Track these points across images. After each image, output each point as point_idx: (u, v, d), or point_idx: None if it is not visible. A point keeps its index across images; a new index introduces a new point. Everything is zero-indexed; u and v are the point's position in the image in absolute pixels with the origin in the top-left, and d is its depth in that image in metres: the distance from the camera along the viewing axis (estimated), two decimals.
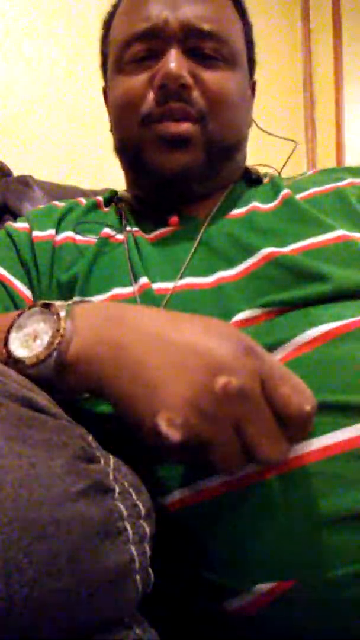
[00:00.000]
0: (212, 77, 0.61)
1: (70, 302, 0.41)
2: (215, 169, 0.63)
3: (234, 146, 0.65)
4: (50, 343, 0.37)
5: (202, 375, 0.33)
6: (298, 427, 0.35)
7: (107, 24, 0.70)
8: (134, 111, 0.61)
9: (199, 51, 0.61)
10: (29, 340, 0.38)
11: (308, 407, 0.34)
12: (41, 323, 0.39)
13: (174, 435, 0.32)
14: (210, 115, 0.60)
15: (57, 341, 0.37)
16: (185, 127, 0.59)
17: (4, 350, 0.38)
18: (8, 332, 0.39)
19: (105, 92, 0.74)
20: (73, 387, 0.38)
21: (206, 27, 0.61)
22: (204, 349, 0.35)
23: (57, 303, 0.39)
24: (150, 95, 0.60)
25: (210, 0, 0.63)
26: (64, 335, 0.37)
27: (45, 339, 0.37)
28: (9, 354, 0.38)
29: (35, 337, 0.38)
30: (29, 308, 0.40)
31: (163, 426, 0.33)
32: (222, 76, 0.62)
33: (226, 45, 0.62)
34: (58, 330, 0.37)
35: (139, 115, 0.60)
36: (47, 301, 0.40)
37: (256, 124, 0.73)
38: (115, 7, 0.69)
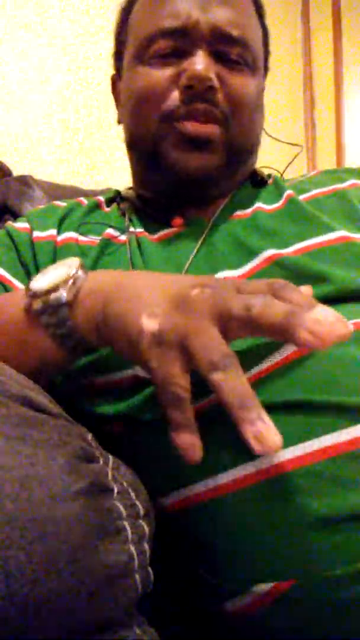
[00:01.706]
0: (236, 81, 0.61)
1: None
2: (231, 172, 0.63)
3: (250, 150, 0.66)
4: (67, 275, 0.43)
5: (183, 288, 0.38)
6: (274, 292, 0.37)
7: (127, 10, 0.68)
8: (155, 106, 0.60)
9: (225, 55, 0.61)
10: (49, 279, 0.44)
11: (263, 286, 0.37)
12: (60, 269, 0.45)
13: (153, 324, 0.36)
14: (233, 118, 0.60)
15: (72, 273, 0.43)
16: (210, 128, 0.59)
17: (27, 289, 0.44)
18: (32, 278, 0.46)
19: (114, 81, 0.73)
20: (82, 320, 0.42)
21: (235, 33, 0.61)
22: (190, 279, 0.40)
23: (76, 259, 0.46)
24: (174, 94, 0.59)
25: (238, 5, 0.63)
26: (79, 274, 0.44)
27: (64, 274, 0.44)
28: (29, 289, 0.44)
29: (54, 277, 0.44)
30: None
31: (144, 318, 0.37)
32: (245, 81, 0.62)
33: (250, 52, 0.62)
34: (75, 271, 0.44)
35: (161, 111, 0.60)
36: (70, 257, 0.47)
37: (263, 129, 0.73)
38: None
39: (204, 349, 0.34)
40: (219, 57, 0.60)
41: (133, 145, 0.66)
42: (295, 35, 2.14)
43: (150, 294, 0.39)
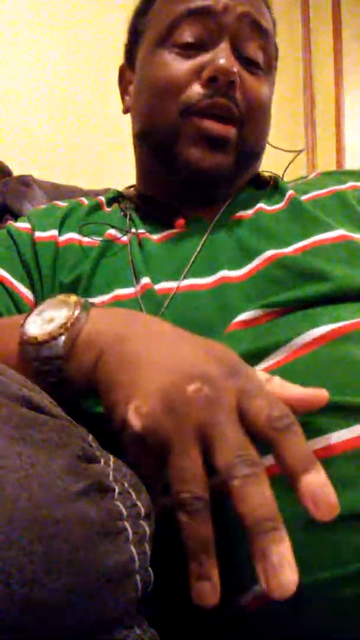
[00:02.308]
0: (253, 81, 0.62)
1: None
2: (239, 174, 0.64)
3: (259, 153, 0.66)
4: (64, 324, 0.39)
5: (181, 380, 0.34)
6: (267, 440, 0.33)
7: (147, 3, 0.67)
8: (175, 97, 0.59)
9: (243, 54, 0.61)
10: (45, 324, 0.41)
11: (276, 414, 0.32)
12: (59, 310, 0.41)
13: (136, 422, 0.33)
14: (247, 120, 0.61)
15: (70, 322, 0.39)
16: (228, 129, 0.59)
17: (21, 332, 0.41)
18: (28, 315, 0.43)
19: (122, 71, 0.72)
20: (74, 373, 0.39)
21: (263, 22, 0.62)
22: (192, 361, 0.36)
23: (77, 297, 0.43)
24: (196, 86, 0.59)
25: (263, 3, 0.64)
26: (78, 320, 0.40)
27: (61, 320, 0.40)
28: (23, 333, 0.41)
29: (51, 321, 0.41)
30: (51, 297, 0.43)
31: (130, 412, 0.34)
32: (260, 83, 0.63)
33: (269, 49, 0.63)
34: (73, 315, 0.40)
35: (180, 103, 0.59)
36: (69, 294, 0.43)
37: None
38: None
39: (177, 473, 0.32)
40: (238, 55, 0.60)
41: (145, 136, 0.65)
42: (295, 35, 2.14)
43: (145, 377, 0.35)
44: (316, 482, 0.31)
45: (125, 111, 0.71)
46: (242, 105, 0.60)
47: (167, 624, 0.36)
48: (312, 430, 0.40)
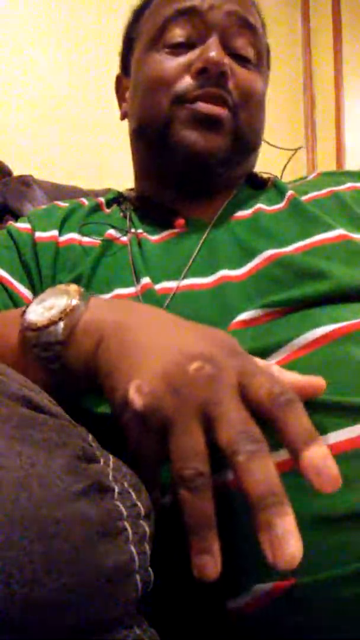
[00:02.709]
0: (244, 74, 0.62)
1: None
2: (236, 161, 0.64)
3: (254, 146, 0.67)
4: (64, 310, 0.40)
5: (182, 359, 0.34)
6: (269, 415, 0.33)
7: (140, 10, 0.69)
8: (166, 89, 0.61)
9: (233, 50, 0.62)
10: (45, 312, 0.41)
11: (277, 390, 0.33)
12: (59, 298, 0.42)
13: (138, 400, 0.33)
14: (241, 108, 0.62)
15: (69, 309, 0.40)
16: (221, 110, 0.60)
17: (22, 320, 0.42)
18: (29, 305, 0.43)
19: (118, 80, 0.74)
20: (74, 359, 0.40)
21: (251, 19, 0.63)
22: (193, 343, 0.36)
23: (78, 286, 0.44)
24: (186, 78, 0.60)
25: (248, 1, 0.65)
26: (77, 307, 0.41)
27: (60, 307, 0.41)
28: (24, 320, 0.42)
29: (51, 309, 0.41)
30: (52, 287, 0.44)
31: (132, 391, 0.34)
32: (252, 75, 0.64)
33: (258, 44, 0.64)
34: (72, 303, 0.41)
35: (172, 94, 0.60)
36: (69, 283, 0.44)
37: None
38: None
39: (179, 451, 0.31)
40: (228, 51, 0.61)
41: (141, 131, 0.66)
42: (295, 35, 2.14)
43: (146, 359, 0.36)
44: (318, 455, 0.31)
45: (123, 117, 0.72)
46: (234, 94, 0.61)
47: (167, 624, 0.36)
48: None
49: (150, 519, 0.34)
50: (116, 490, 0.32)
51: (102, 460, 0.34)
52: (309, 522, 0.38)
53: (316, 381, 0.39)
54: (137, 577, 0.31)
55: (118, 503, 0.31)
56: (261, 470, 0.30)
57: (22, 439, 0.30)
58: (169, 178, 0.65)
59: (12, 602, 0.24)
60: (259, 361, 0.39)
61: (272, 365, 0.39)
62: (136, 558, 0.30)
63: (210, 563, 0.31)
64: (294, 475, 0.39)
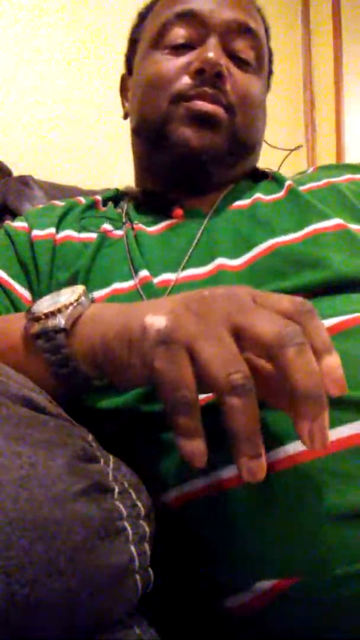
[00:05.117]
0: (242, 77, 0.63)
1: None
2: (232, 162, 0.65)
3: (251, 147, 0.67)
4: (70, 301, 0.41)
5: (194, 293, 0.36)
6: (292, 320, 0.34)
7: (144, 13, 0.71)
8: (165, 89, 0.62)
9: (233, 52, 0.63)
10: (51, 305, 0.42)
11: (298, 300, 0.34)
12: (64, 295, 0.43)
13: (160, 320, 0.33)
14: (238, 110, 0.62)
15: (74, 299, 0.42)
16: (218, 109, 0.61)
17: (28, 312, 0.43)
18: (35, 302, 0.44)
19: (123, 79, 0.75)
20: (77, 348, 0.40)
21: (252, 24, 0.64)
22: (200, 293, 0.37)
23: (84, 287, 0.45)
24: (185, 78, 0.62)
25: (251, 6, 0.67)
26: (82, 301, 0.42)
27: (66, 299, 0.42)
28: (29, 311, 0.42)
29: (57, 302, 0.42)
30: (58, 289, 0.46)
31: (149, 317, 0.34)
32: (250, 79, 0.64)
33: (259, 49, 0.65)
34: (77, 297, 0.42)
35: (170, 93, 0.62)
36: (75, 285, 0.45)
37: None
38: (154, 2, 0.70)
39: (218, 359, 0.31)
40: (227, 53, 0.63)
41: (141, 128, 0.67)
42: (295, 35, 2.14)
43: (157, 301, 0.37)
44: (333, 364, 0.33)
45: (125, 116, 0.73)
46: (231, 96, 0.62)
47: (167, 624, 0.36)
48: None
49: (151, 518, 0.34)
50: (116, 490, 0.32)
51: (102, 460, 0.34)
52: (311, 520, 0.38)
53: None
54: (137, 577, 0.31)
55: (118, 503, 0.31)
56: (309, 363, 0.32)
57: (22, 439, 0.30)
58: (166, 174, 0.66)
59: (12, 602, 0.24)
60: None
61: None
62: (136, 558, 0.30)
63: (261, 466, 0.31)
64: (296, 474, 0.39)
